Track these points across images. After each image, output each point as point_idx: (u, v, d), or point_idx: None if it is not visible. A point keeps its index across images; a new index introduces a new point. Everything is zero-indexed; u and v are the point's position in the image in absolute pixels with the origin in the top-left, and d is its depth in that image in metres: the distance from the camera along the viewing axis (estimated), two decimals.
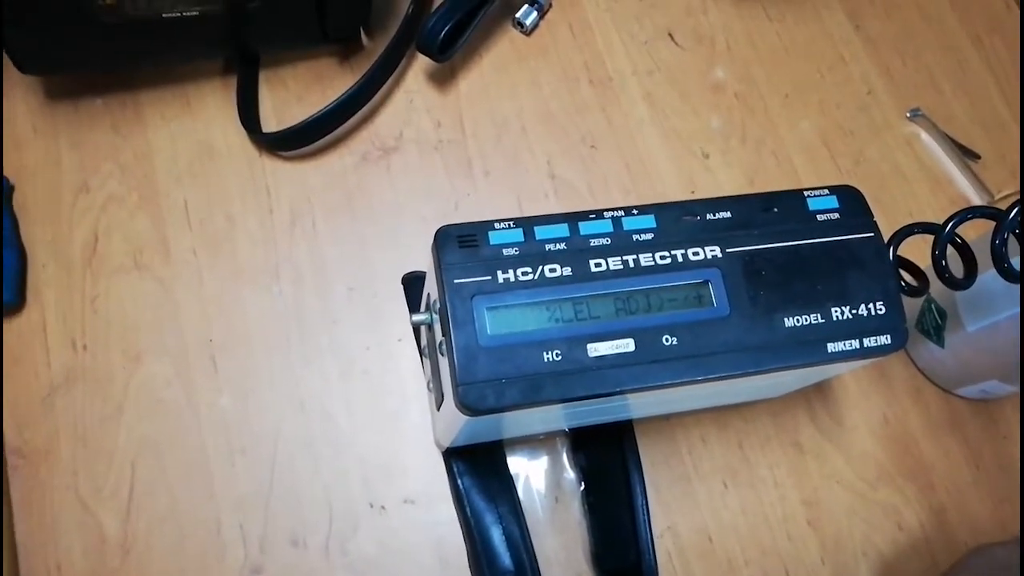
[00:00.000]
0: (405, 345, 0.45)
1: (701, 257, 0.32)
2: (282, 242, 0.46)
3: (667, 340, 0.30)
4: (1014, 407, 0.46)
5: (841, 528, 0.44)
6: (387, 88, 0.49)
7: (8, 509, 0.41)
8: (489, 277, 0.30)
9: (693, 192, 0.49)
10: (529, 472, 0.43)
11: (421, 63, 0.50)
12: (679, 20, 0.54)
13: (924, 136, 0.52)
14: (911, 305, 0.45)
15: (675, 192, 0.49)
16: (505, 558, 0.39)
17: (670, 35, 0.53)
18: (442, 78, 0.50)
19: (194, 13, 0.43)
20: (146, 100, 0.48)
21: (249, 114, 0.47)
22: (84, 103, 0.48)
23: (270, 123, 0.48)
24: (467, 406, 0.29)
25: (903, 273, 0.36)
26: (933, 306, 0.43)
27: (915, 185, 0.51)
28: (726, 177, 0.50)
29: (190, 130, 0.48)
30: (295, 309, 0.45)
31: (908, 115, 0.52)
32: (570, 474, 0.43)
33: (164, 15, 0.43)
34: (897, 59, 0.54)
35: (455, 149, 0.49)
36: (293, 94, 0.49)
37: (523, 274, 0.30)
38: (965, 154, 0.51)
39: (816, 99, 0.52)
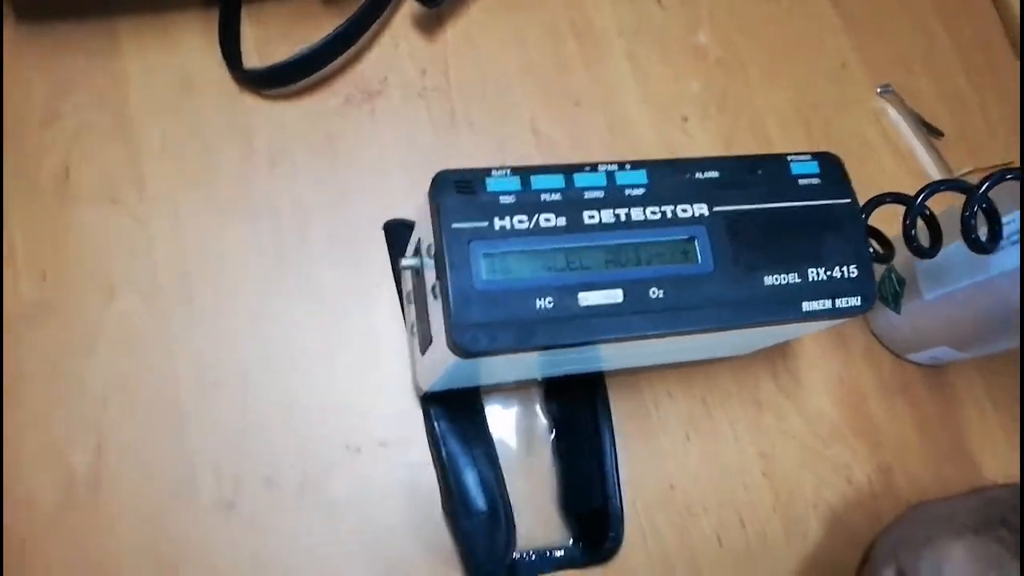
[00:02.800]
0: (384, 290, 0.45)
1: (689, 214, 0.33)
2: (261, 182, 0.46)
3: (654, 293, 0.32)
4: (960, 374, 0.49)
5: (793, 481, 0.46)
6: (373, 31, 0.48)
7: None
8: (486, 223, 0.31)
9: (671, 154, 0.50)
10: (504, 419, 0.44)
11: (410, 8, 0.50)
12: None
13: (892, 112, 0.54)
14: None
15: (654, 153, 0.50)
16: (479, 500, 0.40)
17: None
18: (430, 25, 0.50)
19: None
20: (123, 28, 0.47)
21: (231, 49, 0.46)
22: (57, 27, 0.46)
23: (252, 60, 0.47)
24: (460, 347, 0.30)
25: (871, 241, 0.38)
26: (893, 275, 0.45)
27: (880, 158, 0.53)
28: (704, 141, 0.51)
29: (169, 62, 0.47)
30: (273, 250, 0.45)
31: (879, 91, 0.54)
32: (543, 422, 0.44)
33: None
34: (871, 36, 0.55)
35: (439, 98, 0.49)
36: (277, 32, 0.48)
37: (519, 222, 0.31)
38: (929, 131, 0.53)
39: (793, 70, 0.53)
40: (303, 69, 0.46)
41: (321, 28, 0.47)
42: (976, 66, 0.56)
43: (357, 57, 0.49)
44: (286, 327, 0.44)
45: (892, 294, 0.45)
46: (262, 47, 0.48)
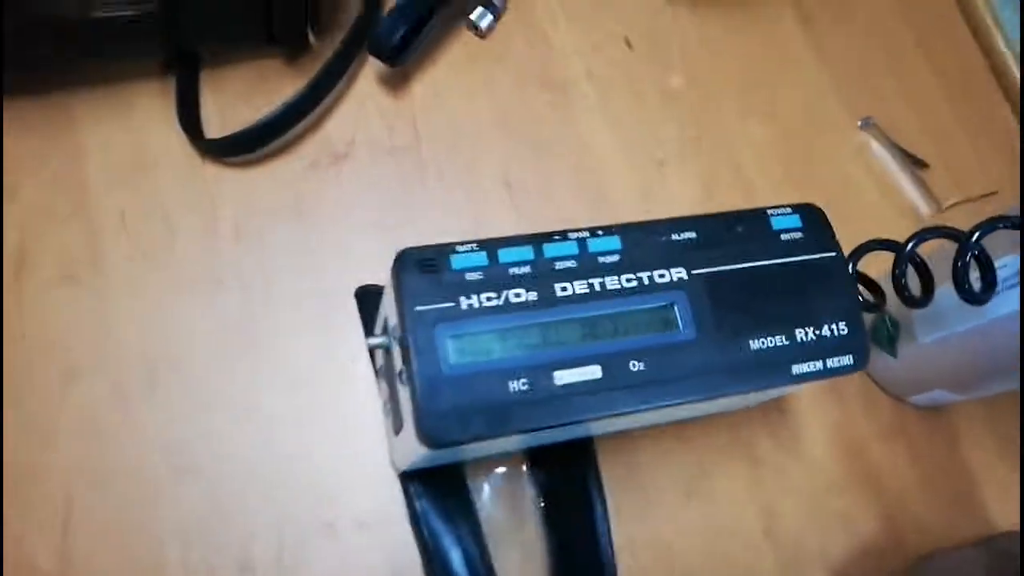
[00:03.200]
0: (359, 362, 0.43)
1: (667, 279, 0.31)
2: (227, 252, 0.44)
3: (634, 365, 0.30)
4: (960, 414, 0.47)
5: (796, 537, 0.44)
6: (337, 92, 0.47)
7: None
8: (452, 304, 0.29)
9: (648, 201, 0.49)
10: (488, 492, 0.42)
11: (373, 66, 0.48)
12: (634, 23, 0.53)
13: (874, 145, 0.52)
14: (867, 318, 0.46)
15: (631, 199, 0.49)
16: None
17: (626, 39, 0.53)
18: (395, 82, 0.49)
19: (128, 13, 0.40)
20: (78, 102, 0.45)
21: (190, 118, 0.45)
22: (9, 107, 0.45)
23: (213, 127, 0.46)
24: (430, 437, 0.28)
25: (860, 288, 0.37)
26: (887, 318, 0.43)
27: (865, 194, 0.51)
28: (681, 185, 0.49)
29: (126, 134, 0.45)
30: (241, 322, 0.43)
31: (860, 124, 0.53)
32: (530, 492, 0.42)
33: (95, 14, 0.40)
34: (849, 69, 0.54)
35: (408, 155, 0.48)
36: (237, 97, 0.47)
37: (487, 299, 0.29)
38: (914, 163, 0.51)
39: (770, 108, 0.52)
40: (266, 135, 0.45)
41: (283, 90, 0.46)
42: (958, 95, 0.54)
43: (322, 118, 0.47)
44: (257, 403, 0.42)
45: (887, 338, 0.44)
46: (223, 114, 0.46)
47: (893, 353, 0.44)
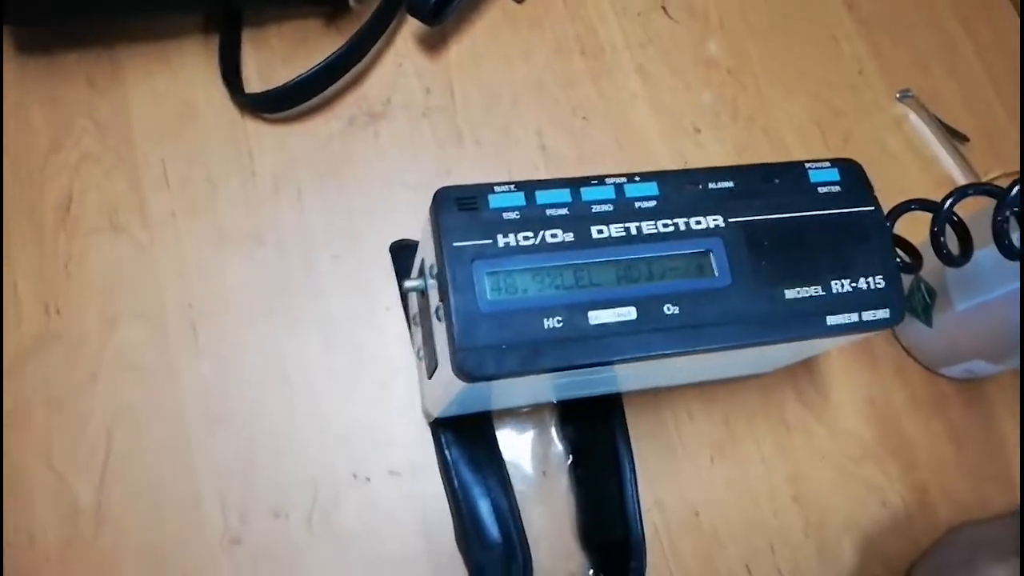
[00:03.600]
0: (392, 315, 0.44)
1: (703, 226, 0.31)
2: (265, 207, 0.45)
3: (668, 309, 0.30)
4: (996, 387, 0.47)
5: (825, 504, 0.44)
6: (375, 52, 0.48)
7: None
8: (489, 241, 0.29)
9: (684, 166, 0.49)
10: (517, 445, 0.42)
11: (412, 27, 0.49)
12: None
13: (913, 117, 0.52)
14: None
15: (666, 165, 0.49)
16: (493, 531, 0.39)
17: (663, 8, 0.53)
18: (433, 43, 0.49)
19: None
20: (124, 56, 0.46)
21: (232, 74, 0.46)
22: (58, 58, 0.46)
23: (253, 84, 0.47)
24: (466, 372, 0.28)
25: (897, 251, 0.36)
26: (923, 285, 0.43)
27: (903, 165, 0.51)
28: (717, 152, 0.49)
29: (170, 88, 0.46)
30: (278, 276, 0.44)
31: (898, 96, 0.52)
32: (558, 447, 0.42)
33: None
34: (888, 40, 0.54)
35: (444, 117, 0.48)
36: (278, 55, 0.47)
37: (524, 239, 0.30)
38: (953, 136, 0.51)
39: (807, 77, 0.52)
40: (305, 92, 0.45)
41: (322, 50, 0.46)
42: (998, 68, 0.54)
43: (360, 78, 0.48)
44: (292, 355, 0.43)
45: (922, 306, 0.43)
46: (264, 71, 0.47)
47: (928, 322, 0.43)
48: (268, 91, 0.45)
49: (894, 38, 0.54)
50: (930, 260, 0.36)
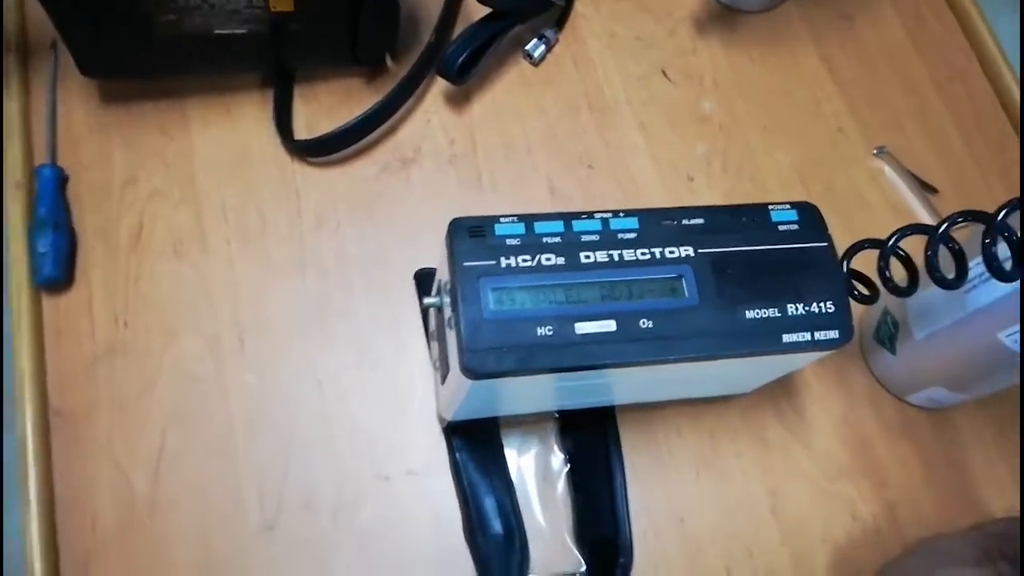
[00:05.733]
0: (415, 337, 0.50)
1: (676, 255, 0.37)
2: (308, 240, 0.52)
3: (644, 323, 0.35)
4: (963, 416, 0.51)
5: (801, 517, 0.48)
6: (408, 107, 0.55)
7: (48, 466, 0.46)
8: (494, 262, 0.35)
9: None
10: (521, 453, 0.47)
11: (440, 86, 0.56)
12: (672, 59, 0.60)
13: (888, 170, 0.57)
14: (872, 318, 0.50)
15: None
16: (496, 523, 0.44)
17: (663, 72, 0.59)
18: (458, 100, 0.56)
19: (242, 31, 0.49)
20: (191, 107, 0.54)
21: (284, 123, 0.53)
22: (135, 107, 0.54)
23: (301, 132, 0.54)
24: (471, 370, 0.34)
25: (857, 284, 0.42)
26: (888, 317, 0.48)
27: (878, 214, 0.56)
28: (709, 198, 0.55)
29: (230, 135, 0.53)
30: (317, 300, 0.50)
31: (875, 152, 0.58)
32: (558, 456, 0.48)
33: (216, 32, 0.48)
34: (866, 100, 0.60)
35: (467, 164, 0.55)
36: (324, 108, 0.55)
37: (523, 261, 0.35)
38: (924, 187, 0.56)
39: (792, 133, 0.58)
40: (346, 140, 0.52)
41: (363, 104, 0.53)
42: (967, 125, 0.59)
43: (394, 129, 0.55)
44: (326, 367, 0.49)
45: (888, 336, 0.48)
46: (311, 121, 0.54)
47: (893, 350, 0.48)
48: (314, 139, 0.52)
49: (871, 99, 0.60)
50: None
